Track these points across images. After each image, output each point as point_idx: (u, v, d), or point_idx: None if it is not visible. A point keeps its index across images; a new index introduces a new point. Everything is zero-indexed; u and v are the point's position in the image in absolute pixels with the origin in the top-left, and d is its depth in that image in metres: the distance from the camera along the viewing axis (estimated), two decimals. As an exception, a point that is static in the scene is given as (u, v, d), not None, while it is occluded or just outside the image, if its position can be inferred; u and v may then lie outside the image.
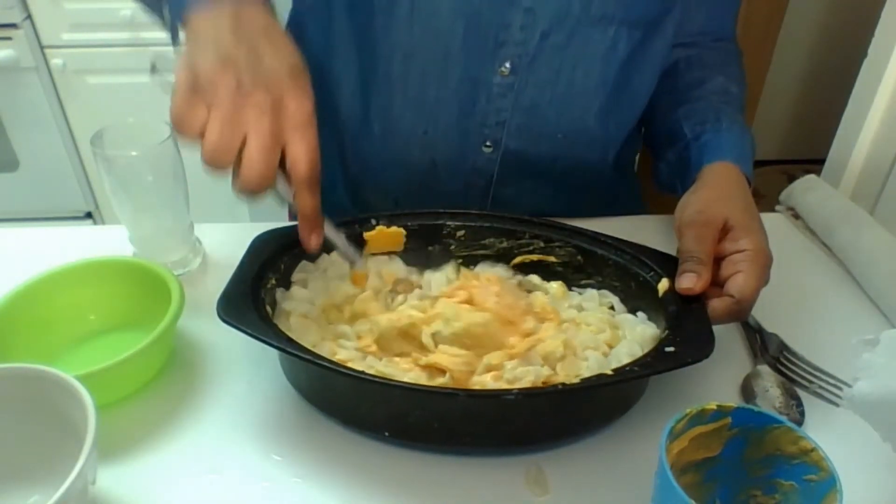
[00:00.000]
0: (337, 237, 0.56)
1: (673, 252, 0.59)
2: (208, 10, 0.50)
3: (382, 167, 0.77)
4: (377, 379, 0.48)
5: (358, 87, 0.74)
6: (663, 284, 0.57)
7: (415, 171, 0.76)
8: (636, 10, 0.69)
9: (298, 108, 0.48)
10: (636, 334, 0.57)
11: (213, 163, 0.47)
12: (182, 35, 0.52)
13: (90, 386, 0.44)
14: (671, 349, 0.50)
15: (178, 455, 0.51)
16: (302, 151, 0.48)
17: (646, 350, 0.54)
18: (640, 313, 0.59)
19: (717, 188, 0.64)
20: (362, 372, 0.49)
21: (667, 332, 0.53)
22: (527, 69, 0.69)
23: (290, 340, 0.50)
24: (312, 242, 0.53)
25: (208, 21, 0.50)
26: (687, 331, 0.52)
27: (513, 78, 0.70)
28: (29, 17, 1.56)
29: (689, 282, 0.54)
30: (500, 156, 0.74)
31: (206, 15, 0.50)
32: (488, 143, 0.74)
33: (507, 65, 0.69)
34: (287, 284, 0.60)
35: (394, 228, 0.63)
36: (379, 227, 0.63)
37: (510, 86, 0.70)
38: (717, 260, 0.57)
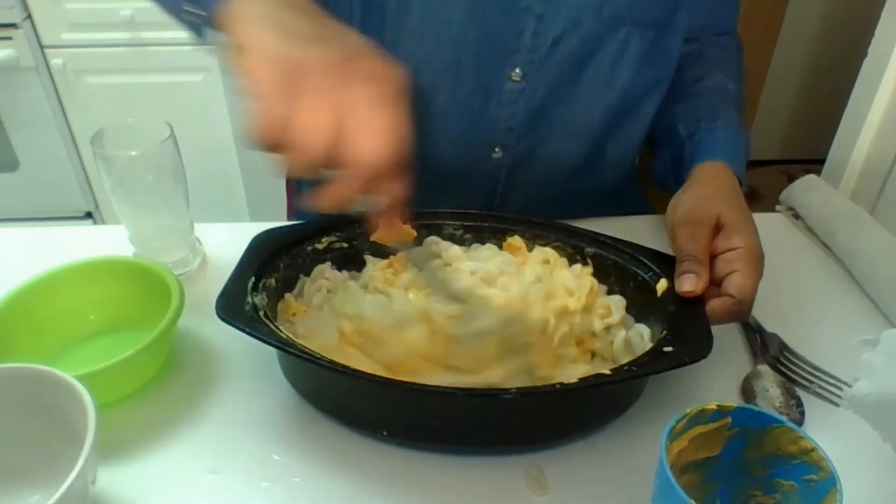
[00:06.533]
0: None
1: (671, 252, 0.59)
2: None
3: None
4: (374, 377, 0.48)
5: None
6: (662, 285, 0.57)
7: (422, 178, 0.75)
8: (649, 10, 0.68)
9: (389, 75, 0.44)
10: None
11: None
12: (218, 31, 0.46)
13: (90, 386, 0.44)
14: (669, 349, 0.50)
15: (178, 455, 0.51)
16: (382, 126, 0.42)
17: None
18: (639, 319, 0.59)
19: (707, 186, 0.64)
20: (360, 370, 0.49)
21: (665, 332, 0.53)
22: (537, 74, 0.69)
23: (288, 339, 0.50)
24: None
25: (254, 5, 0.44)
26: (685, 331, 0.52)
27: (523, 83, 0.69)
28: (29, 17, 1.56)
29: (689, 284, 0.54)
30: (509, 160, 0.74)
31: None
32: (497, 149, 0.73)
33: (518, 71, 0.69)
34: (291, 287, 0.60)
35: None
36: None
37: (521, 91, 0.70)
38: (711, 258, 0.57)
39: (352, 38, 0.44)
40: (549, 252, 0.63)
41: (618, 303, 0.59)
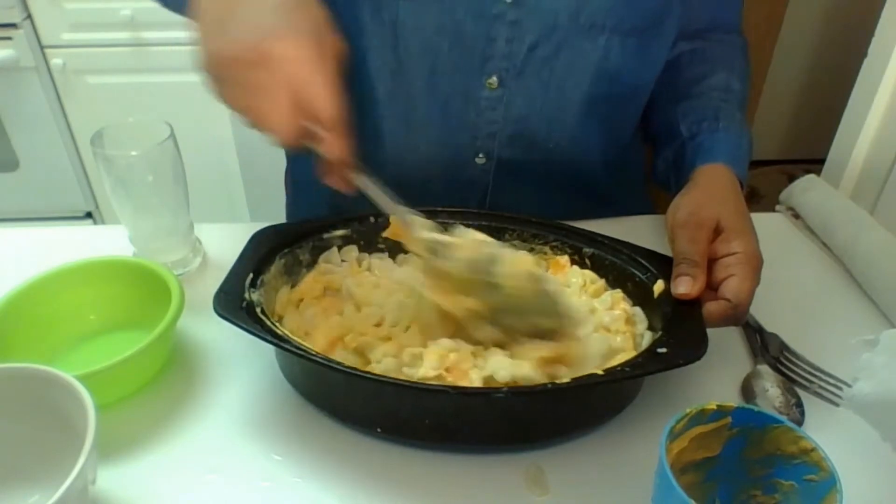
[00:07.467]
0: (370, 185, 0.56)
1: (669, 253, 0.59)
2: None
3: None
4: (367, 374, 0.48)
5: (349, 106, 0.74)
6: (659, 286, 0.57)
7: (409, 185, 0.75)
8: (628, 18, 0.67)
9: (296, 56, 0.48)
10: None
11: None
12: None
13: (90, 386, 0.44)
14: (664, 350, 0.50)
15: (178, 455, 0.51)
16: (321, 95, 0.49)
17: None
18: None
19: (708, 190, 0.64)
20: (353, 367, 0.49)
21: (660, 332, 0.53)
22: (515, 81, 0.68)
23: (284, 335, 0.50)
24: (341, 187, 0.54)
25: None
26: (680, 332, 0.52)
27: (501, 90, 0.69)
28: (29, 17, 1.56)
29: (685, 286, 0.54)
30: (493, 166, 0.74)
31: None
32: (481, 155, 0.73)
33: (495, 78, 0.68)
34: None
35: None
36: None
37: (499, 98, 0.69)
38: (709, 262, 0.57)
39: (265, 16, 0.48)
40: (587, 275, 0.62)
41: (639, 314, 0.58)
